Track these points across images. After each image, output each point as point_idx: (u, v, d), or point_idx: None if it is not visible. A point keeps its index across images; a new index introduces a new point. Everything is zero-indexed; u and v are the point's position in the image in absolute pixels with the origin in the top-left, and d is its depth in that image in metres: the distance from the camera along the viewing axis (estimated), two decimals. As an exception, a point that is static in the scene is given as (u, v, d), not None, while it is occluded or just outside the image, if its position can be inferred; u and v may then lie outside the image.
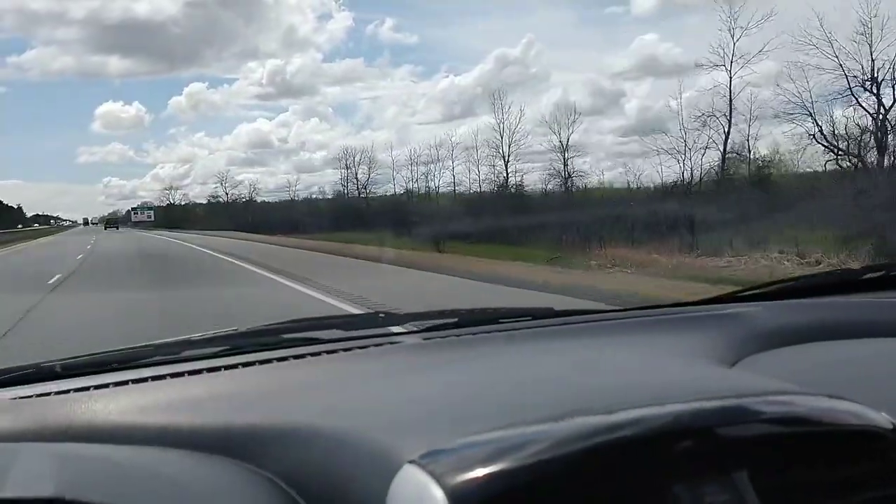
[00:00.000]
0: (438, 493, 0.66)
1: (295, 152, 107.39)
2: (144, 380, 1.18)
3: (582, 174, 36.56)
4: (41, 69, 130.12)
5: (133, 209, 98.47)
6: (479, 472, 0.67)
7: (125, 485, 0.73)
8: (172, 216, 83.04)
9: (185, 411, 1.00)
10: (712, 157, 28.70)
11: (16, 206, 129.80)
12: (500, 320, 1.57)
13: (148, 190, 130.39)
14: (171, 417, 0.96)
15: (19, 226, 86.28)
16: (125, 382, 1.17)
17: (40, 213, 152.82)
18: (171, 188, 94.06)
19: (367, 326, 1.55)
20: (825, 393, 0.83)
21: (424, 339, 1.42)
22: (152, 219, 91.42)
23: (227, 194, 70.59)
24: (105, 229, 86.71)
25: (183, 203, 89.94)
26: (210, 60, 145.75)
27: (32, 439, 0.91)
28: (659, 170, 31.87)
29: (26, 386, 1.19)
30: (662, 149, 30.02)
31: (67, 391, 1.14)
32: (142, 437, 0.91)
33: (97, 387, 1.15)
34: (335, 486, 0.77)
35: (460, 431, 0.74)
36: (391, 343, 1.38)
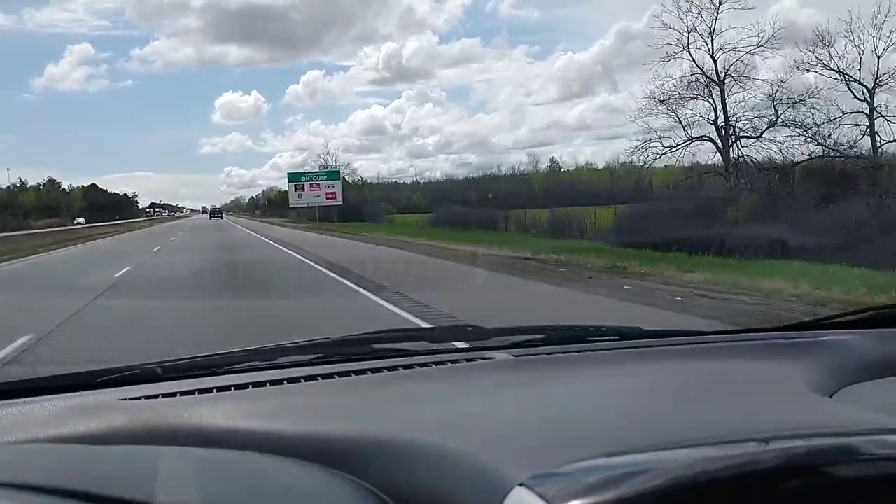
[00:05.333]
0: None
1: (408, 138, 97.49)
2: (245, 386, 1.22)
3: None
4: (164, 61, 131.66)
5: (294, 178, 53.29)
6: (592, 498, 0.66)
7: (256, 495, 0.74)
8: (347, 202, 52.55)
9: (287, 419, 1.03)
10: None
11: (127, 195, 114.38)
12: (588, 339, 1.56)
13: (267, 178, 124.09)
14: (274, 425, 0.99)
15: (78, 220, 65.93)
16: (228, 388, 1.21)
17: (157, 202, 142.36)
18: (327, 152, 60.98)
19: (455, 339, 1.58)
20: None
21: (515, 355, 1.42)
22: (338, 199, 51.51)
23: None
24: (210, 219, 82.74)
25: (360, 180, 59.38)
26: (328, 46, 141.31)
27: (145, 441, 0.93)
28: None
29: (132, 387, 1.22)
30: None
31: (174, 394, 1.18)
32: (248, 442, 0.93)
33: (201, 391, 1.19)
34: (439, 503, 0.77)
35: (566, 456, 0.74)
36: (482, 359, 1.39)
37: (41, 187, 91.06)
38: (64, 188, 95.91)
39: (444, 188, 73.84)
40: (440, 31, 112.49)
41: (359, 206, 50.46)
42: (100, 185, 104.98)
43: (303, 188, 52.63)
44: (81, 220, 69.00)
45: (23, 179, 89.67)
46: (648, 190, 73.15)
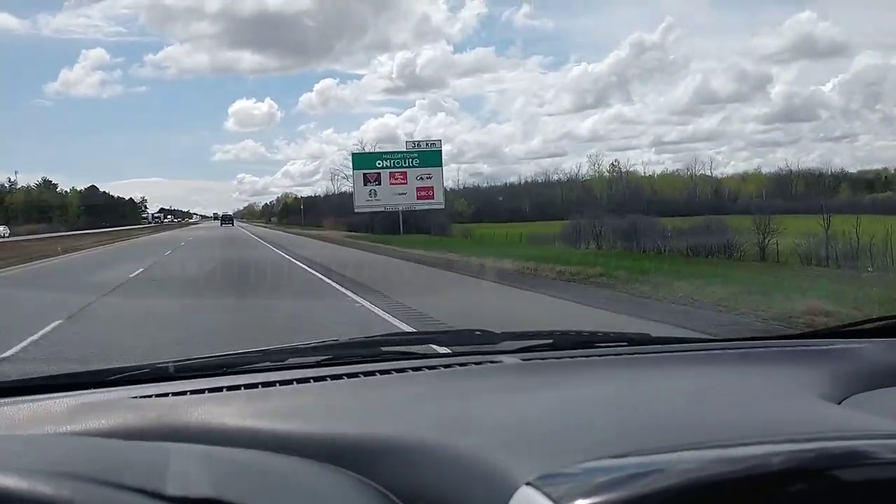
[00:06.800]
0: None
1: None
2: (255, 385, 1.23)
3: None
4: (177, 67, 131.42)
5: (363, 161, 34.24)
6: (597, 498, 0.66)
7: (265, 490, 0.74)
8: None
9: (296, 419, 1.03)
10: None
11: (133, 199, 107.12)
12: (596, 344, 1.57)
13: (279, 186, 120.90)
14: (283, 424, 1.00)
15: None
16: (238, 387, 1.22)
17: (166, 208, 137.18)
18: (362, 148, 40.08)
19: (463, 343, 1.56)
20: None
21: (523, 359, 1.42)
22: (438, 199, 33.39)
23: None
24: (221, 226, 79.90)
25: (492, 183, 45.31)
26: (340, 54, 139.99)
27: (155, 438, 0.94)
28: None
29: (143, 385, 1.24)
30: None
31: (184, 393, 1.19)
32: (256, 441, 0.93)
33: (211, 390, 1.20)
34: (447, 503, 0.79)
35: (573, 457, 0.75)
36: (491, 362, 1.39)
37: (33, 189, 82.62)
38: (63, 190, 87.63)
39: (490, 194, 65.35)
40: (454, 40, 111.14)
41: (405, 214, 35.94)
42: (110, 191, 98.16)
43: (377, 180, 32.08)
44: (2, 228, 54.40)
45: (12, 180, 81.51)
46: (732, 201, 62.71)
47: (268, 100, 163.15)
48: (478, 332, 1.56)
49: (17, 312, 9.74)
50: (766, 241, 18.33)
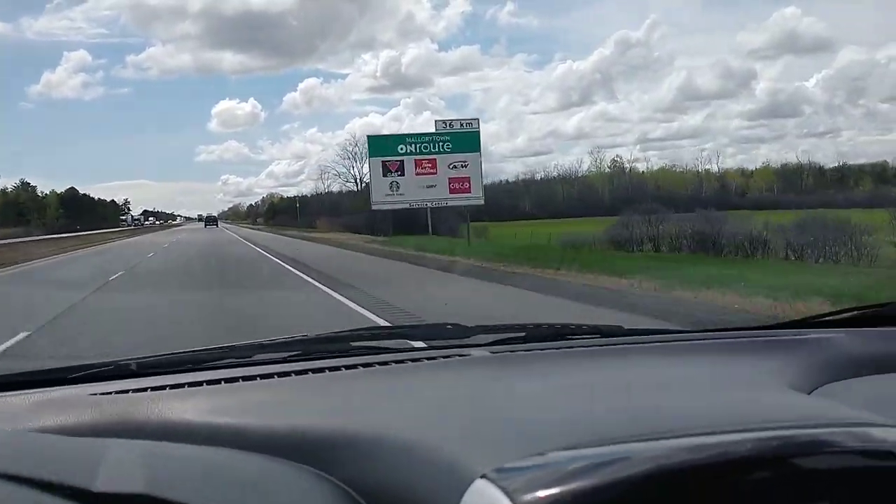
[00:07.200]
0: None
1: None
2: (217, 381, 1.21)
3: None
4: (160, 68, 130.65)
5: (381, 146, 25.16)
6: (552, 490, 0.66)
7: (207, 486, 0.74)
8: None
9: (257, 415, 1.02)
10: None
11: (115, 202, 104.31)
12: (568, 336, 1.56)
13: (263, 187, 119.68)
14: (244, 420, 0.99)
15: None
16: (200, 383, 1.20)
17: (149, 210, 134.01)
18: (355, 143, 37.18)
19: (435, 337, 1.54)
20: None
21: (493, 352, 1.42)
22: (477, 194, 25.24)
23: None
24: (206, 227, 79.52)
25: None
26: (324, 53, 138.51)
27: (112, 435, 0.92)
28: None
29: (105, 382, 1.22)
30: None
31: (145, 389, 1.17)
32: (215, 437, 0.93)
33: (173, 386, 1.18)
34: (404, 497, 0.79)
35: (532, 448, 0.74)
36: (459, 356, 1.37)
37: (9, 191, 79.52)
38: (42, 192, 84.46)
39: (486, 191, 63.03)
40: (439, 38, 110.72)
41: (411, 212, 30.09)
42: (94, 194, 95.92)
43: (399, 169, 24.36)
44: None
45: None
46: (740, 195, 60.69)
47: (251, 100, 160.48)
48: (449, 326, 1.54)
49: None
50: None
